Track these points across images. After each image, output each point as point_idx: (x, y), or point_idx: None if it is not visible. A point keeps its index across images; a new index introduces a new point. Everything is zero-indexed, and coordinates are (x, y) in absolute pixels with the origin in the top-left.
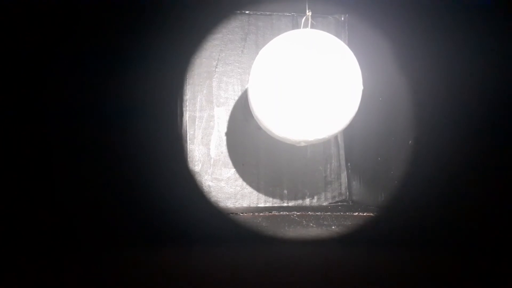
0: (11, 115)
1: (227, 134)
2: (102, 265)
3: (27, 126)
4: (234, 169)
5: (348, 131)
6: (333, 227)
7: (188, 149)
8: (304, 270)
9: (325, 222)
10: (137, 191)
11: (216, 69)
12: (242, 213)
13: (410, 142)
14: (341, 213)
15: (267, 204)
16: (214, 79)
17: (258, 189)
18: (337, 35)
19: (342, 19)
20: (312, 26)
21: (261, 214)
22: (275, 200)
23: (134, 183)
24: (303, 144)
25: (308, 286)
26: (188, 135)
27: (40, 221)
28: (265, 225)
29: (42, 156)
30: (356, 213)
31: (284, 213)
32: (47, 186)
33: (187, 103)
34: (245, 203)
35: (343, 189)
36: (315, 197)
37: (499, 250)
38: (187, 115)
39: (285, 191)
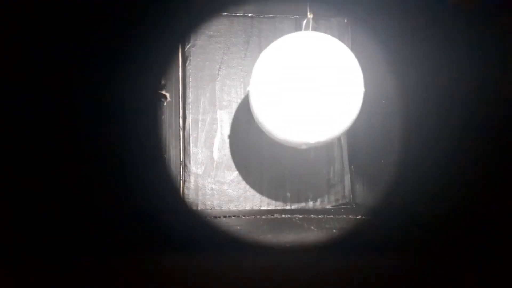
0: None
1: (230, 136)
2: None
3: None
4: (237, 172)
5: (351, 134)
6: (334, 230)
7: (191, 152)
8: (301, 275)
9: (326, 225)
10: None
11: (219, 72)
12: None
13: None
14: (344, 216)
15: (270, 207)
16: (217, 82)
17: (261, 191)
18: (340, 37)
19: (345, 21)
20: (315, 29)
21: (263, 217)
22: (278, 203)
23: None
24: (304, 147)
25: None
26: (191, 138)
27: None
28: (265, 228)
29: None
30: (359, 216)
31: (286, 216)
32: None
33: (190, 106)
34: (248, 206)
35: (347, 192)
36: (318, 200)
37: (504, 255)
38: (190, 118)
39: (288, 194)
